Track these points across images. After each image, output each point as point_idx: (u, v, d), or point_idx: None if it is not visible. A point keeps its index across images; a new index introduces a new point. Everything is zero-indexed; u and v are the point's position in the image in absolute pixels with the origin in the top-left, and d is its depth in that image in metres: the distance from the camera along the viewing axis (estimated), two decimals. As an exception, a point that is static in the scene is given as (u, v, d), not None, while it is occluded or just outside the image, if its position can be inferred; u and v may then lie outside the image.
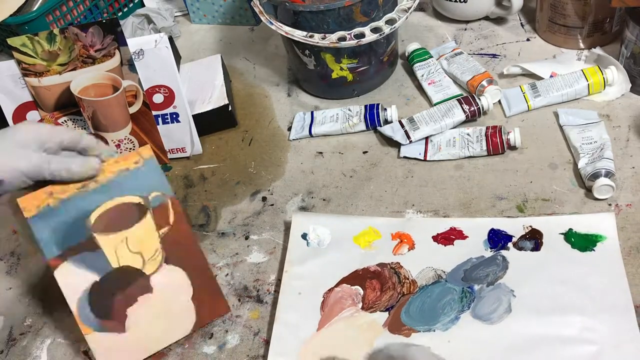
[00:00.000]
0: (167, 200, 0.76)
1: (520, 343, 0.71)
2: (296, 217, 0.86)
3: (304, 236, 0.84)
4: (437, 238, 0.82)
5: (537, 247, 0.79)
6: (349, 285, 0.79)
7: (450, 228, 0.83)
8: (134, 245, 0.74)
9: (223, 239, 0.89)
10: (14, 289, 0.89)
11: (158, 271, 0.76)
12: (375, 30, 0.94)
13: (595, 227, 0.79)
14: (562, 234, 0.80)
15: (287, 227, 0.87)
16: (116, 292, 0.74)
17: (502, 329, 0.72)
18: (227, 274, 0.85)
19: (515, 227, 0.81)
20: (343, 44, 0.93)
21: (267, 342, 0.76)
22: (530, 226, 0.81)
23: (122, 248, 0.74)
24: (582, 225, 0.80)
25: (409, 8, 0.96)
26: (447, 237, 0.82)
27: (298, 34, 0.94)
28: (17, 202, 0.71)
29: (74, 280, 0.73)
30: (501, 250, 0.79)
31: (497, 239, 0.81)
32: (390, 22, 0.95)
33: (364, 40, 0.93)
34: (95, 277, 0.74)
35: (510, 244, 0.80)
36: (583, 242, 0.78)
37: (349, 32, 0.93)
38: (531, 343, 0.70)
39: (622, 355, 0.68)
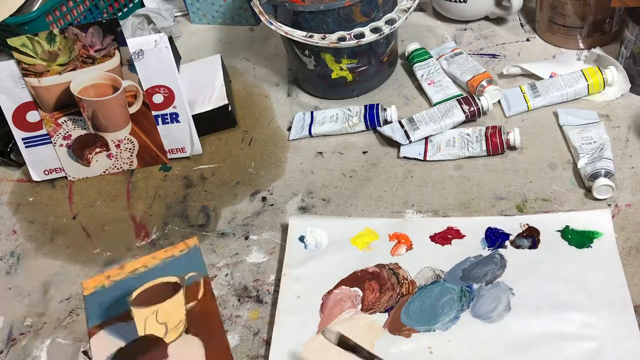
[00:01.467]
0: (200, 279, 0.84)
1: (521, 341, 0.71)
2: (293, 220, 0.86)
3: (301, 239, 0.84)
4: (434, 238, 0.82)
5: (534, 244, 0.79)
6: (348, 287, 0.79)
7: (448, 227, 0.83)
8: (162, 317, 0.80)
9: (223, 239, 0.89)
10: (14, 289, 0.89)
11: (177, 340, 0.79)
12: (374, 30, 0.94)
13: (592, 223, 0.79)
14: (558, 231, 0.80)
15: (287, 227, 0.87)
16: (136, 358, 0.78)
17: (502, 328, 0.72)
18: (227, 274, 0.85)
19: (512, 225, 0.81)
20: (342, 44, 0.93)
21: (267, 343, 0.76)
22: (527, 224, 0.81)
23: (151, 319, 0.80)
24: (578, 222, 0.80)
25: (409, 8, 0.96)
26: (445, 237, 0.82)
27: (297, 34, 0.94)
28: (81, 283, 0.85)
29: (104, 346, 0.79)
30: (499, 249, 0.80)
31: (495, 237, 0.81)
32: (390, 22, 0.95)
33: (364, 41, 0.93)
34: (122, 343, 0.79)
35: (507, 242, 0.80)
36: (580, 238, 0.78)
37: (349, 32, 0.93)
38: (531, 340, 0.71)
39: (622, 350, 0.68)
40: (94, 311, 0.82)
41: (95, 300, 0.83)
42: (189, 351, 0.78)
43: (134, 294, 0.83)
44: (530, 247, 0.79)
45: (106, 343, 0.79)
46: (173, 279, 0.84)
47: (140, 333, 0.79)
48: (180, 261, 0.85)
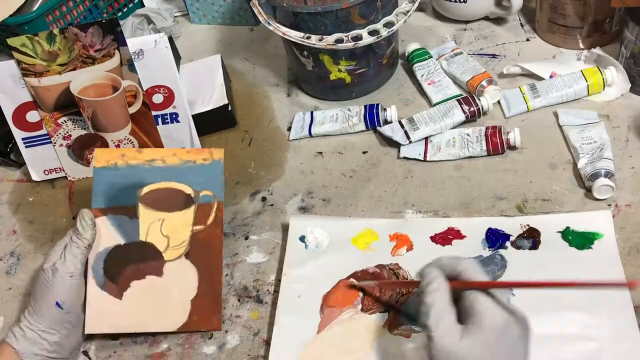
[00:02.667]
0: (214, 202, 0.80)
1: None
2: (293, 220, 0.86)
3: (302, 239, 0.84)
4: (435, 238, 0.82)
5: (535, 245, 0.79)
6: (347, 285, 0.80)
7: (448, 228, 0.83)
8: (166, 229, 0.78)
9: (223, 239, 0.89)
10: (14, 289, 0.89)
11: (175, 261, 0.79)
12: (372, 33, 0.94)
13: (592, 224, 0.79)
14: (559, 232, 0.80)
15: (287, 227, 0.87)
16: (130, 262, 0.78)
17: (502, 329, 0.72)
18: (227, 274, 0.85)
19: (512, 226, 0.81)
20: (340, 46, 0.93)
21: (267, 343, 0.76)
22: (528, 225, 0.81)
23: (155, 226, 0.78)
24: (579, 223, 0.80)
25: (408, 11, 0.96)
26: (445, 237, 0.82)
27: (295, 35, 0.94)
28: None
29: (104, 235, 0.78)
30: (499, 250, 0.80)
31: (495, 238, 0.81)
32: (388, 25, 0.95)
33: (361, 43, 0.93)
34: (121, 241, 0.78)
35: (508, 243, 0.80)
36: (580, 240, 0.78)
37: (347, 34, 0.93)
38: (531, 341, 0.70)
39: (622, 350, 0.68)
40: (100, 191, 0.79)
41: (104, 177, 0.79)
42: (182, 278, 0.78)
43: (144, 190, 0.79)
44: (530, 248, 0.79)
45: (106, 232, 0.78)
46: (188, 189, 0.80)
47: (142, 237, 0.78)
48: (200, 171, 0.80)
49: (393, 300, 0.77)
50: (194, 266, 0.79)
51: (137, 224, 0.78)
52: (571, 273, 0.75)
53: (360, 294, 0.78)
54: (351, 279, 0.80)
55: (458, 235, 0.82)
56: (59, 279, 0.73)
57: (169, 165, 0.80)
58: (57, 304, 0.72)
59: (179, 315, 0.78)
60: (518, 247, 0.79)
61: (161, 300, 0.78)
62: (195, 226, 0.79)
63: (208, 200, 0.80)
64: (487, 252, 0.80)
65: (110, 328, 0.78)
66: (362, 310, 0.77)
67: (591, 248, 0.78)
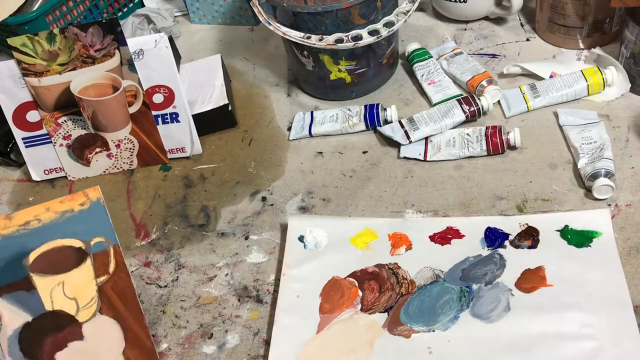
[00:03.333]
0: (110, 248, 0.75)
1: (520, 341, 0.71)
2: (292, 220, 0.86)
3: (301, 239, 0.84)
4: (434, 238, 0.82)
5: (534, 244, 0.79)
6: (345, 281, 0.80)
7: (447, 227, 0.83)
8: (70, 291, 0.74)
9: (223, 239, 0.89)
10: (14, 288, 0.89)
11: (91, 320, 0.74)
12: (372, 33, 0.94)
13: (591, 223, 0.79)
14: (558, 230, 0.80)
15: (287, 227, 0.87)
16: (47, 336, 0.73)
17: (502, 328, 0.72)
18: (227, 274, 0.85)
19: (511, 225, 0.81)
20: (340, 45, 0.93)
21: (267, 342, 0.76)
22: (527, 224, 0.81)
23: (58, 292, 0.73)
24: (577, 222, 0.80)
25: (408, 11, 0.96)
26: (444, 237, 0.82)
27: (295, 35, 0.94)
28: None
29: (7, 318, 0.72)
30: (498, 249, 0.80)
31: (494, 237, 0.81)
32: (388, 25, 0.95)
33: (361, 43, 0.93)
34: (28, 318, 0.73)
35: (507, 242, 0.80)
36: (579, 238, 0.78)
37: (346, 34, 0.93)
38: (531, 341, 0.71)
39: (621, 349, 0.68)
40: None
41: None
42: (105, 334, 0.74)
43: (31, 258, 0.72)
44: (529, 247, 0.79)
45: (8, 314, 0.72)
46: (77, 243, 0.73)
47: (48, 307, 0.73)
48: (82, 219, 0.73)
49: (393, 300, 0.77)
50: (111, 319, 0.75)
51: (38, 296, 0.72)
52: (570, 271, 0.76)
53: (360, 294, 0.78)
54: (349, 279, 0.80)
55: (457, 234, 0.82)
56: None
57: (46, 223, 0.73)
58: None
59: None
60: (517, 246, 0.79)
61: None
62: (98, 278, 0.74)
63: (102, 247, 0.74)
64: (486, 252, 0.80)
65: None
66: (362, 310, 0.77)
67: (590, 246, 0.78)
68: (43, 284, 0.73)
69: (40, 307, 0.73)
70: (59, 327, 0.73)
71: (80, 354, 0.74)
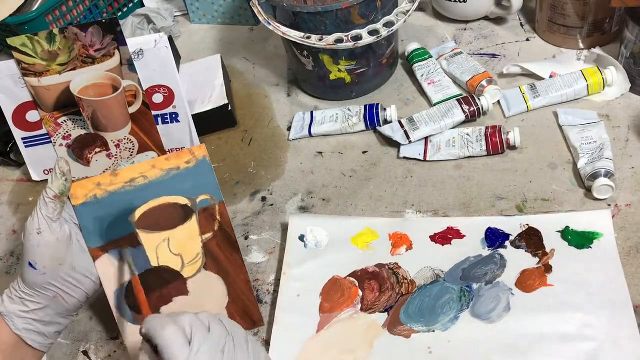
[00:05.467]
0: (215, 205, 0.75)
1: (520, 341, 0.71)
2: (293, 219, 0.86)
3: (302, 238, 0.84)
4: (434, 238, 0.82)
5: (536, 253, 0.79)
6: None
7: (448, 228, 0.83)
8: (175, 247, 0.74)
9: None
10: (14, 288, 0.89)
11: (196, 276, 0.75)
12: (372, 32, 0.94)
13: (592, 224, 0.79)
14: (559, 231, 0.80)
15: (287, 227, 0.87)
16: (152, 291, 0.74)
17: (502, 328, 0.72)
18: (227, 274, 0.85)
19: (512, 225, 0.81)
20: (340, 45, 0.93)
21: (267, 342, 0.76)
22: (527, 224, 0.81)
23: (163, 248, 0.74)
24: (578, 223, 0.80)
25: (408, 11, 0.96)
26: (445, 237, 0.82)
27: (295, 35, 0.94)
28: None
29: (114, 273, 0.74)
30: (499, 249, 0.80)
31: (495, 237, 0.81)
32: (388, 24, 0.95)
33: (361, 43, 0.93)
34: (134, 272, 0.74)
35: (507, 243, 0.80)
36: (580, 239, 0.78)
37: (346, 34, 0.93)
38: (531, 341, 0.71)
39: (621, 350, 0.68)
40: (91, 228, 0.73)
41: (89, 213, 0.72)
42: (209, 289, 0.75)
43: (137, 215, 0.73)
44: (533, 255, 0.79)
45: (114, 269, 0.73)
46: (182, 200, 0.74)
47: (154, 263, 0.74)
48: (188, 177, 0.73)
49: (393, 300, 0.77)
50: (216, 275, 0.76)
51: (144, 251, 0.74)
52: (570, 272, 0.75)
53: (360, 293, 0.78)
54: (349, 278, 0.80)
55: (458, 234, 0.82)
56: (28, 237, 0.68)
57: (152, 181, 0.73)
58: (30, 264, 0.68)
59: None
60: (517, 247, 0.79)
61: None
62: (203, 235, 0.75)
63: (208, 204, 0.75)
64: (486, 252, 0.80)
65: None
66: (362, 310, 0.77)
67: (590, 247, 0.78)
68: (149, 240, 0.74)
69: (146, 263, 0.74)
70: (164, 282, 0.75)
71: (185, 308, 0.74)
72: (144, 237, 0.74)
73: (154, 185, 0.73)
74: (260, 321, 0.78)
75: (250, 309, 0.77)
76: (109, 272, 0.74)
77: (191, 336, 0.54)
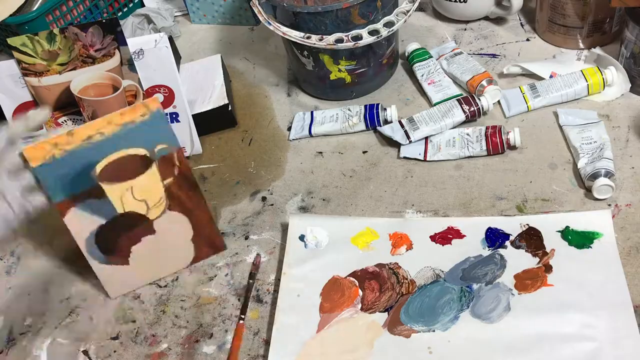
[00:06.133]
0: (173, 152, 0.78)
1: (520, 341, 0.71)
2: (293, 219, 0.86)
3: (302, 238, 0.84)
4: (434, 238, 0.82)
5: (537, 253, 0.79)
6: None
7: (448, 227, 0.83)
8: (139, 194, 0.79)
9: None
10: (14, 289, 0.89)
11: (161, 217, 0.81)
12: (372, 32, 0.94)
13: (592, 224, 0.79)
14: (559, 231, 0.80)
15: (287, 227, 0.87)
16: (121, 234, 0.80)
17: (502, 328, 0.72)
18: (227, 274, 0.85)
19: (512, 225, 0.81)
20: (340, 45, 0.93)
21: (267, 342, 0.76)
22: (527, 224, 0.81)
23: (128, 196, 0.78)
24: (578, 223, 0.80)
25: (408, 11, 0.96)
26: (445, 237, 0.82)
27: (295, 35, 0.94)
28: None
29: (82, 223, 0.78)
30: (499, 249, 0.80)
31: (495, 237, 0.81)
32: (388, 24, 0.95)
33: (361, 43, 0.93)
34: (102, 221, 0.79)
35: (507, 243, 0.80)
36: (580, 239, 0.78)
37: (347, 34, 0.93)
38: (531, 341, 0.71)
39: (621, 350, 0.68)
40: (52, 184, 0.74)
41: (49, 173, 0.73)
42: (175, 226, 0.82)
43: (98, 168, 0.75)
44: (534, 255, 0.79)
45: (82, 220, 0.77)
46: (140, 150, 0.76)
47: (120, 210, 0.78)
48: (143, 129, 0.75)
49: (393, 300, 0.77)
50: (180, 214, 0.82)
51: (109, 201, 0.78)
52: (570, 272, 0.76)
53: (361, 293, 0.78)
54: (350, 278, 0.80)
55: (458, 234, 0.82)
56: None
57: (109, 136, 0.74)
58: None
59: (185, 254, 0.85)
60: (518, 247, 0.79)
61: (165, 250, 0.83)
62: (164, 180, 0.79)
63: (166, 152, 0.78)
64: (486, 252, 0.80)
65: (130, 287, 0.84)
66: (362, 309, 0.77)
67: (590, 247, 0.78)
68: (113, 191, 0.77)
69: (113, 211, 0.78)
70: (132, 225, 0.80)
71: (154, 244, 0.82)
72: (108, 188, 0.77)
73: (111, 140, 0.75)
74: (222, 246, 0.87)
75: (213, 237, 0.86)
76: (78, 224, 0.78)
77: None
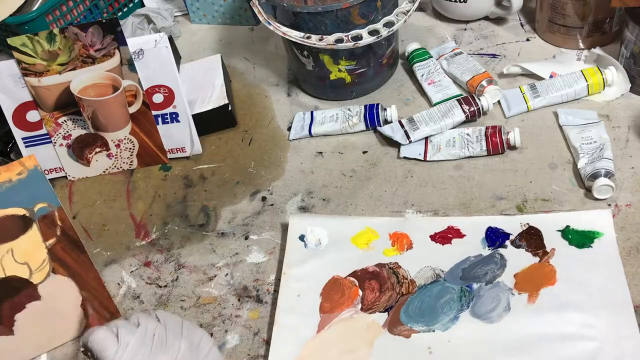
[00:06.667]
0: (54, 211, 0.75)
1: (520, 341, 0.71)
2: (293, 219, 0.86)
3: (302, 238, 0.84)
4: (434, 237, 0.82)
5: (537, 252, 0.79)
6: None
7: (448, 227, 0.83)
8: (20, 256, 0.75)
9: (223, 239, 0.89)
10: (14, 288, 0.89)
11: (46, 281, 0.77)
12: (372, 32, 0.94)
13: (592, 223, 0.79)
14: (559, 231, 0.80)
15: (287, 227, 0.87)
16: (3, 300, 0.75)
17: (502, 328, 0.72)
18: (227, 274, 0.85)
19: (512, 224, 0.81)
20: (340, 45, 0.93)
21: (267, 342, 0.76)
22: (528, 224, 0.81)
23: (8, 259, 0.74)
24: (579, 222, 0.80)
25: (408, 11, 0.96)
26: (445, 236, 0.82)
27: (295, 35, 0.94)
28: None
29: None
30: (499, 249, 0.80)
31: (495, 237, 0.81)
32: (388, 24, 0.95)
33: (361, 43, 0.93)
34: None
35: (508, 242, 0.80)
36: (580, 238, 0.78)
37: (347, 34, 0.93)
38: (531, 341, 0.71)
39: (622, 350, 0.68)
40: None
41: None
42: (61, 291, 0.78)
43: None
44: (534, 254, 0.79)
45: None
46: (19, 210, 0.73)
47: (1, 275, 0.74)
48: (21, 188, 0.73)
49: (393, 300, 0.77)
50: (65, 277, 0.77)
51: None
52: (571, 272, 0.76)
53: (361, 293, 0.78)
54: (350, 278, 0.80)
55: (458, 234, 0.82)
56: None
57: None
58: None
59: (75, 321, 0.80)
60: (518, 246, 0.79)
61: (52, 318, 0.78)
62: (47, 241, 0.76)
63: (46, 211, 0.75)
64: (487, 251, 0.80)
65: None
66: (362, 309, 0.77)
67: (591, 247, 0.78)
68: None
69: None
70: (14, 291, 0.75)
71: (40, 312, 0.77)
72: None
73: None
74: (116, 312, 0.81)
75: (104, 302, 0.81)
76: None
77: (117, 332, 0.62)
